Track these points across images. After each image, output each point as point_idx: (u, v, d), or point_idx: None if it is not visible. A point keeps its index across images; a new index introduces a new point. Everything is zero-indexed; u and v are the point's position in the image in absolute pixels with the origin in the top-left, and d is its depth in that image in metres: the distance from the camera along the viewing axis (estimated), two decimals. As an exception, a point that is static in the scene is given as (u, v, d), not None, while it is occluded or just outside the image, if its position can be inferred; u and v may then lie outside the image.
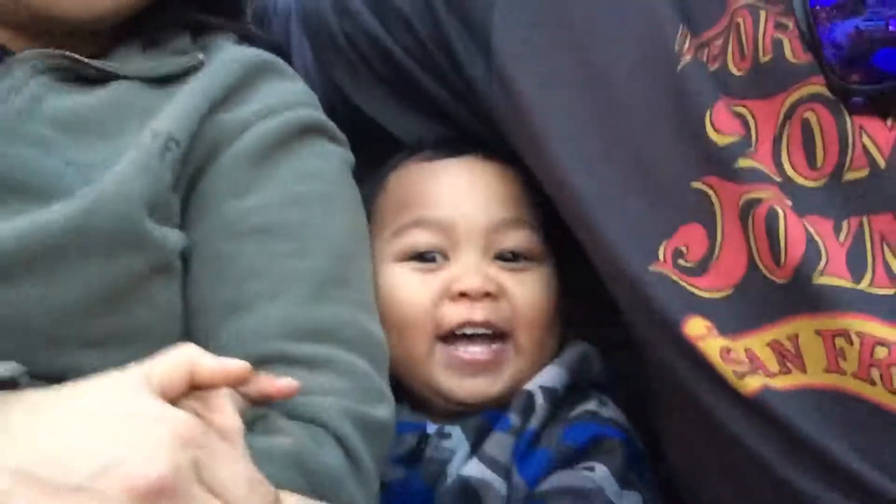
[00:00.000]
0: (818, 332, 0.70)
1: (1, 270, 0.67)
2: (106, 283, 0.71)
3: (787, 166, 0.75)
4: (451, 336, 0.86)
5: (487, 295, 0.86)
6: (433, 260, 0.89)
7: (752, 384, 0.71)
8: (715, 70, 0.79)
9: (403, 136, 0.99)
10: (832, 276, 0.70)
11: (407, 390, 0.87)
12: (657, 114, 0.80)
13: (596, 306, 0.88)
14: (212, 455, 0.56)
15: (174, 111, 0.77)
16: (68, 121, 0.75)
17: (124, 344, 0.72)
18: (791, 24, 0.76)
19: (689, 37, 0.81)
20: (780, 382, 0.71)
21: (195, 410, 0.60)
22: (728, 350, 0.73)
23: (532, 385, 0.86)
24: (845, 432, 0.68)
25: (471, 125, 0.94)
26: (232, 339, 0.74)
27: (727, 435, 0.72)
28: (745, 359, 0.73)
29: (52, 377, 0.68)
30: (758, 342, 0.73)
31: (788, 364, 0.72)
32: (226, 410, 0.61)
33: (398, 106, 0.99)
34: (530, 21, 0.87)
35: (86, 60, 0.78)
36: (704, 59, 0.80)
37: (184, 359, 0.62)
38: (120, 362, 0.67)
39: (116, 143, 0.75)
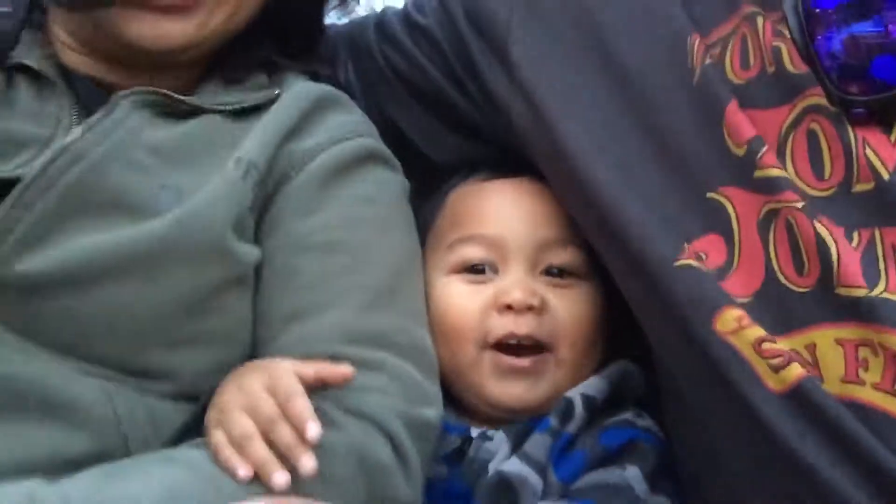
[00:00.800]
0: (838, 342, 0.70)
1: (98, 274, 0.76)
2: (192, 290, 0.80)
3: (792, 176, 0.75)
4: (497, 345, 0.92)
5: (531, 309, 0.92)
6: (483, 272, 0.95)
7: (790, 375, 0.70)
8: (719, 74, 0.80)
9: (437, 158, 1.04)
10: (849, 286, 0.69)
11: (454, 396, 0.93)
12: (682, 116, 0.81)
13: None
14: None
15: (254, 141, 0.87)
16: (163, 149, 0.84)
17: (201, 346, 0.81)
18: (787, 34, 0.76)
19: (699, 39, 0.83)
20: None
21: None
22: (762, 341, 0.72)
23: (573, 392, 0.91)
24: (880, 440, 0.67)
25: (500, 140, 0.98)
26: (293, 342, 0.82)
27: (760, 432, 0.71)
28: (782, 351, 0.71)
29: (135, 372, 0.78)
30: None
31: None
32: None
33: (434, 125, 1.04)
34: (549, 31, 0.91)
35: (177, 96, 0.87)
36: (713, 62, 0.80)
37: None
38: (195, 363, 0.78)
39: (203, 169, 0.84)
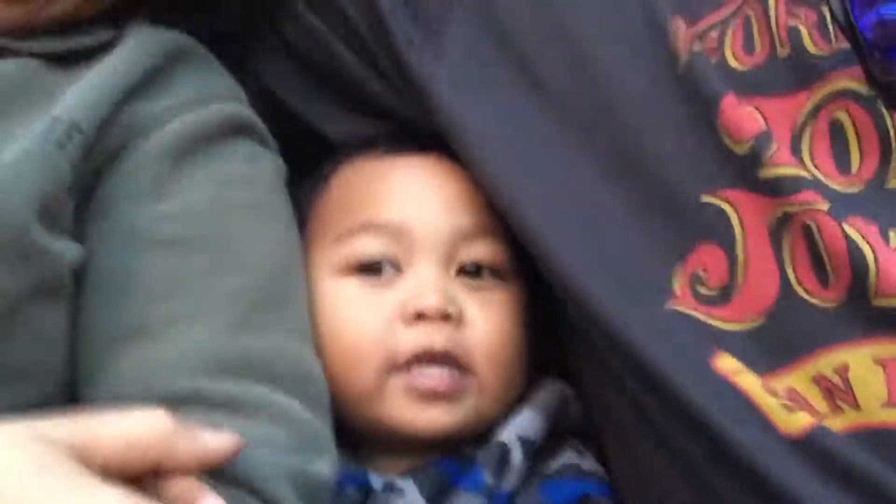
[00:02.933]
0: (877, 361, 0.62)
1: None
2: None
3: (812, 169, 0.67)
4: (407, 365, 0.73)
5: (447, 318, 0.73)
6: (380, 271, 0.75)
7: (801, 421, 0.63)
8: (715, 63, 0.71)
9: (334, 132, 0.87)
10: (892, 295, 0.62)
11: (345, 430, 0.72)
12: (656, 119, 0.71)
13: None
14: None
15: (79, 95, 0.66)
16: None
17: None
18: (803, 14, 0.69)
19: (686, 25, 0.73)
20: (831, 424, 0.63)
21: None
22: (769, 385, 0.65)
23: (507, 436, 0.73)
24: None
25: (419, 124, 0.83)
26: (132, 372, 0.61)
27: (762, 483, 0.63)
28: (788, 399, 0.64)
29: None
30: (799, 379, 0.64)
31: (839, 402, 0.63)
32: None
33: (332, 101, 0.88)
34: (498, 22, 0.78)
35: None
36: (705, 50, 0.71)
37: (151, 438, 0.46)
38: None
39: (3, 128, 0.63)
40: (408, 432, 0.73)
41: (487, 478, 0.70)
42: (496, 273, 0.77)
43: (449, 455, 0.73)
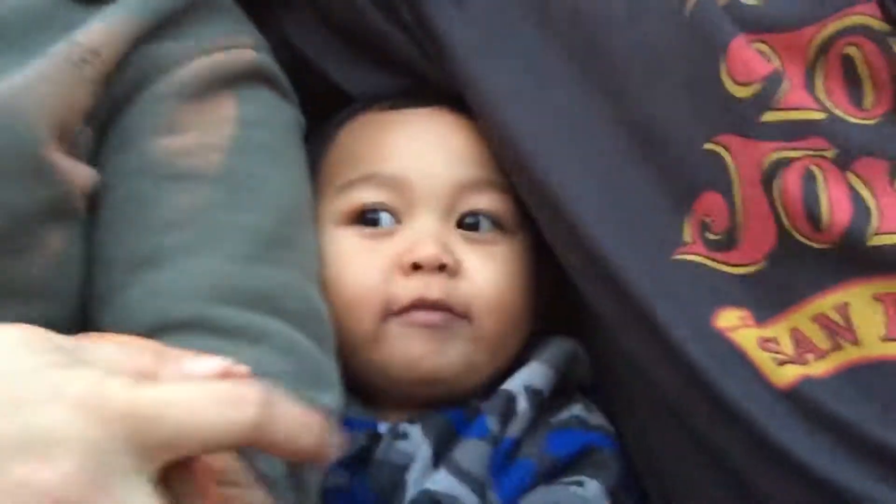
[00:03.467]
0: (876, 297, 0.63)
1: None
2: None
3: (827, 103, 0.66)
4: (403, 311, 0.73)
5: (444, 268, 0.72)
6: (377, 222, 0.75)
7: (789, 373, 0.64)
8: (725, 4, 0.69)
9: (354, 88, 0.87)
10: (891, 233, 0.62)
11: (352, 380, 0.72)
12: (663, 68, 0.70)
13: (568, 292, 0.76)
14: (152, 410, 0.40)
15: (101, 26, 0.65)
16: None
17: (10, 301, 0.59)
18: None
19: None
20: (826, 364, 0.64)
21: None
22: (767, 339, 0.65)
23: (514, 385, 0.72)
24: None
25: (438, 78, 0.82)
26: (143, 297, 0.60)
27: (754, 434, 0.64)
28: (791, 344, 0.64)
29: None
30: (801, 319, 0.65)
31: (839, 339, 0.64)
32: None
33: (354, 57, 0.87)
34: None
35: None
36: None
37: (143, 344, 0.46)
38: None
39: (18, 52, 0.62)
40: (406, 370, 0.73)
41: (492, 425, 0.70)
42: (498, 225, 0.76)
43: (455, 406, 0.73)
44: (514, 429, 0.70)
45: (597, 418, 0.74)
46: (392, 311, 0.72)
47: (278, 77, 0.74)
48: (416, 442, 0.70)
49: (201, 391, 0.41)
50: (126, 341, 0.46)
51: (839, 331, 0.64)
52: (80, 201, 0.62)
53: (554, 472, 0.69)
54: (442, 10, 0.79)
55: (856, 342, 0.63)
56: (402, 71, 0.84)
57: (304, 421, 0.43)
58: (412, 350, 0.72)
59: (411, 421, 0.72)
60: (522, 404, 0.71)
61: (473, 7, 0.78)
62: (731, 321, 0.65)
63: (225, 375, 0.44)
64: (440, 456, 0.69)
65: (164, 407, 0.40)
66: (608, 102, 0.72)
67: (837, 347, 0.64)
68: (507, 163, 0.76)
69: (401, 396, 0.74)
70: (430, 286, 0.72)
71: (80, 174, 0.62)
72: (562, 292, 0.77)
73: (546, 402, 0.73)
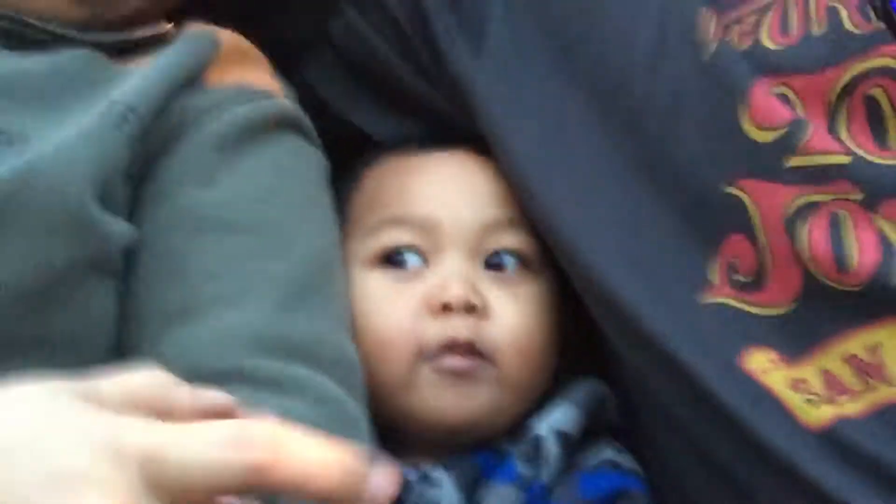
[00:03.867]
0: None
1: None
2: (33, 274, 0.59)
3: (851, 145, 0.66)
4: (435, 355, 0.73)
5: (472, 310, 0.73)
6: (404, 263, 0.76)
7: (824, 414, 0.63)
8: (747, 49, 0.70)
9: (378, 132, 0.88)
10: None
11: (379, 426, 0.72)
12: (683, 114, 0.71)
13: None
14: (163, 451, 0.40)
15: (137, 82, 0.67)
16: (5, 85, 0.64)
17: (41, 352, 0.59)
18: None
19: (715, 17, 0.72)
20: (860, 405, 0.63)
21: None
22: (797, 380, 0.64)
23: (542, 428, 0.73)
24: None
25: (458, 123, 0.84)
26: (178, 349, 0.61)
27: (787, 473, 0.63)
28: (822, 385, 0.64)
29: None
30: (832, 359, 0.64)
31: (869, 380, 0.63)
32: None
33: (377, 102, 0.89)
34: (535, 20, 0.79)
35: (33, 21, 0.68)
36: (734, 39, 0.71)
37: (147, 381, 0.45)
38: (39, 375, 0.53)
39: (62, 114, 0.64)
40: (437, 418, 0.73)
41: (522, 469, 0.70)
42: (524, 265, 0.77)
43: (482, 450, 0.73)
44: (545, 473, 0.70)
45: (629, 461, 0.74)
46: (424, 355, 0.73)
47: (305, 122, 0.75)
48: (447, 490, 0.70)
49: (207, 432, 0.41)
50: (130, 383, 0.45)
51: (870, 371, 0.63)
52: (118, 257, 0.63)
53: (589, 517, 0.69)
54: (462, 59, 0.80)
55: (888, 381, 0.63)
56: (426, 116, 0.86)
57: (324, 461, 0.43)
58: (443, 399, 0.73)
59: (439, 465, 0.72)
60: (552, 448, 0.71)
61: (495, 54, 0.79)
62: (761, 363, 0.65)
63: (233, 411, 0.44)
64: (470, 502, 0.70)
65: (171, 448, 0.40)
66: (628, 147, 0.72)
67: (869, 388, 0.63)
68: (525, 208, 0.77)
69: (429, 441, 0.74)
70: (459, 328, 0.72)
71: (119, 230, 0.63)
72: (587, 330, 0.77)
73: (575, 445, 0.73)
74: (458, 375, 0.72)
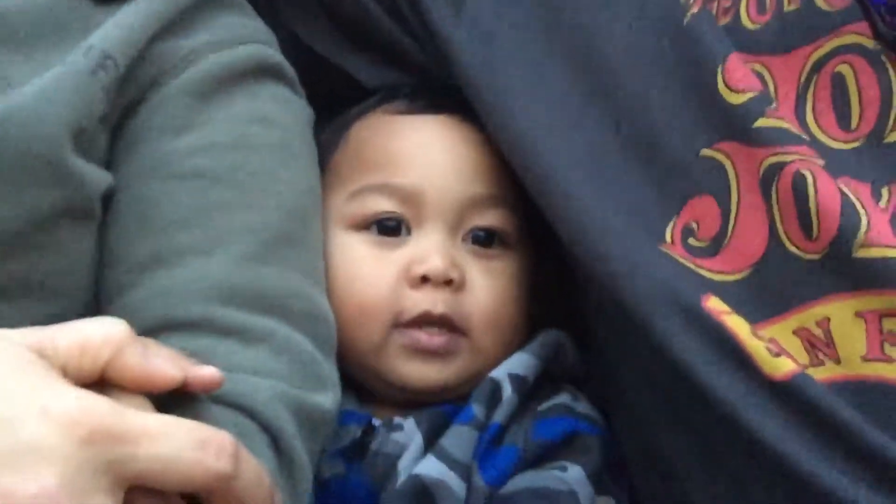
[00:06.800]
0: (859, 314, 0.61)
1: None
2: (12, 219, 0.60)
3: (813, 127, 0.66)
4: (409, 324, 0.76)
5: (450, 283, 0.75)
6: (394, 230, 0.78)
7: (785, 366, 0.62)
8: (726, 24, 0.71)
9: (365, 79, 0.89)
10: (878, 245, 0.61)
11: (351, 380, 0.76)
12: (661, 74, 0.71)
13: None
14: (135, 440, 0.43)
15: (114, 29, 0.67)
16: None
17: (21, 297, 0.62)
18: None
19: None
20: (814, 375, 0.62)
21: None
22: (756, 331, 0.64)
23: (498, 373, 0.76)
24: (889, 425, 0.60)
25: (436, 74, 0.85)
26: (149, 296, 0.63)
27: (740, 428, 0.63)
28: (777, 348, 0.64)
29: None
30: (782, 331, 0.64)
31: (819, 355, 0.63)
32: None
33: (363, 53, 0.89)
34: None
35: None
36: (714, 11, 0.71)
37: (103, 343, 0.48)
38: (13, 319, 0.56)
39: (39, 57, 0.65)
40: (403, 385, 0.76)
41: (478, 411, 0.73)
42: (503, 241, 0.79)
43: (450, 402, 0.76)
44: (500, 414, 0.74)
45: (583, 406, 0.77)
46: (399, 323, 0.76)
47: (287, 71, 0.76)
48: (410, 432, 0.74)
49: (184, 430, 0.44)
50: (85, 335, 0.47)
51: (820, 346, 0.63)
52: (95, 203, 0.65)
53: (538, 458, 0.72)
54: (444, 19, 0.80)
55: (837, 359, 0.63)
56: (412, 69, 0.86)
57: (262, 479, 0.46)
58: (412, 369, 0.76)
59: (409, 416, 0.75)
60: (507, 391, 0.75)
61: (475, 15, 0.79)
62: (721, 306, 0.65)
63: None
64: (431, 443, 0.73)
65: (146, 438, 0.43)
66: (607, 106, 0.73)
67: (818, 363, 0.63)
68: (503, 153, 0.77)
69: (399, 398, 0.78)
70: (436, 301, 0.75)
71: (96, 177, 0.65)
72: (557, 296, 0.80)
73: (532, 390, 0.76)
74: (430, 353, 0.76)
